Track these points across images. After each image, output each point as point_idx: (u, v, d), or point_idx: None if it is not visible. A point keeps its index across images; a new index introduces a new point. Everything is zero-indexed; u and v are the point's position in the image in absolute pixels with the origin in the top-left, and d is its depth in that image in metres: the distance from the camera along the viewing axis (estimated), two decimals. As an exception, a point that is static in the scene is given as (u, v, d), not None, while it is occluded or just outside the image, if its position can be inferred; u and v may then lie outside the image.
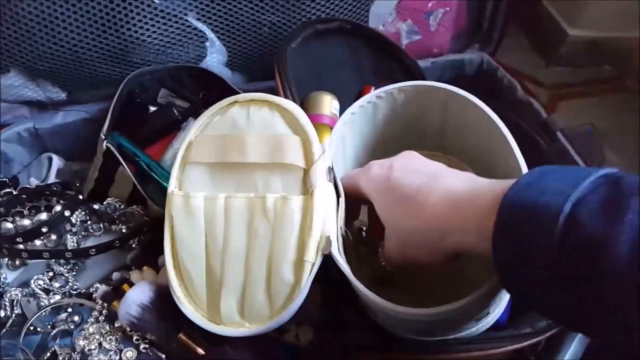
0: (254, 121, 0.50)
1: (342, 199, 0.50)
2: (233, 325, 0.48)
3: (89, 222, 0.64)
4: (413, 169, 0.43)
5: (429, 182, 0.40)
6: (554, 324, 0.54)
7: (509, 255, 0.33)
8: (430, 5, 0.82)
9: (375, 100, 0.52)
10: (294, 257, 0.47)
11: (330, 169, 0.49)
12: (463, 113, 0.51)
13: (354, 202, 0.50)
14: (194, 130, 0.52)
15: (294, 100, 0.61)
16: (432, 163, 0.44)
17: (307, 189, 0.48)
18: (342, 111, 0.65)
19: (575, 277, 0.29)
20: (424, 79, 0.73)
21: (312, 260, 0.46)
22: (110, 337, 0.56)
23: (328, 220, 0.47)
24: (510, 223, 0.32)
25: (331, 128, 0.63)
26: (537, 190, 0.32)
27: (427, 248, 0.40)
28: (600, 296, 0.28)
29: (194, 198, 0.49)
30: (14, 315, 0.58)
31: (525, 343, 0.54)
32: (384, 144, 0.57)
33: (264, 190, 0.49)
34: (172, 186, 0.51)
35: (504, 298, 0.49)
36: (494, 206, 0.33)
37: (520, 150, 0.46)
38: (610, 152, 0.95)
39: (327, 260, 0.46)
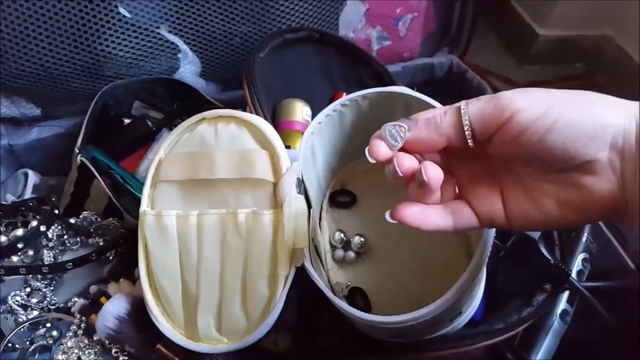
0: (222, 137, 0.50)
1: (313, 210, 0.51)
2: (211, 342, 0.48)
3: (65, 237, 0.64)
4: None
5: None
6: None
7: None
8: (398, 11, 0.84)
9: (340, 108, 0.53)
10: (268, 271, 0.47)
11: (301, 181, 0.50)
12: None
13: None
14: (164, 148, 0.52)
15: (261, 110, 0.61)
16: None
17: (277, 203, 0.48)
18: (313, 117, 0.66)
19: None
20: (393, 83, 0.75)
21: (286, 273, 0.46)
22: (89, 350, 0.57)
23: (299, 233, 0.47)
24: None
25: (303, 134, 0.64)
26: None
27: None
28: None
29: (166, 217, 0.49)
30: (-9, 332, 0.58)
31: (498, 338, 0.55)
32: (353, 147, 0.59)
33: (235, 206, 0.49)
34: (144, 205, 0.51)
35: (476, 297, 0.51)
36: None
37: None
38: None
39: (301, 270, 0.47)
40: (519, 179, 0.36)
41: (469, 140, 0.35)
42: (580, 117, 0.32)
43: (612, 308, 0.54)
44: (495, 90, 0.85)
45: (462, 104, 0.35)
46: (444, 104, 0.50)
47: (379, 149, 0.35)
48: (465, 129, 0.34)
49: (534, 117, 0.32)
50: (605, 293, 0.56)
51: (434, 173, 0.33)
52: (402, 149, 0.35)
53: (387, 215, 0.34)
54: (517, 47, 1.31)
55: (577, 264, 0.56)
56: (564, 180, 0.34)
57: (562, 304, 0.54)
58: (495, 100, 0.34)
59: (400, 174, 0.34)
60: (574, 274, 0.55)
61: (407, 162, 0.34)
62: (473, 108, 0.35)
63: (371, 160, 0.35)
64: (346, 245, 0.57)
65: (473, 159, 0.37)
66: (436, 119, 0.35)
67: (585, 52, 1.27)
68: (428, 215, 0.35)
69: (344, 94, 0.71)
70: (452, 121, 0.35)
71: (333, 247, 0.58)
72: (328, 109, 0.53)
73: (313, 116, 0.67)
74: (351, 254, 0.57)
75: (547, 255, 0.55)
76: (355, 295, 0.54)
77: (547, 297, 0.53)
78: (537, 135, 0.32)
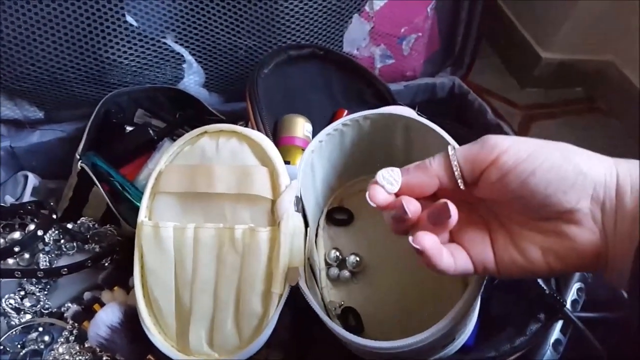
0: (222, 152, 0.51)
1: (310, 229, 0.51)
2: (202, 356, 0.48)
3: (62, 241, 0.64)
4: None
5: None
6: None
7: None
8: (402, 30, 0.85)
9: (341, 127, 0.54)
10: (262, 288, 0.47)
11: (299, 199, 0.50)
12: (424, 137, 0.52)
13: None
14: (164, 159, 0.52)
15: (263, 126, 0.62)
16: None
17: (274, 220, 0.48)
18: (314, 133, 0.67)
19: None
20: (395, 101, 0.75)
21: (280, 291, 0.46)
22: (80, 357, 0.57)
23: (295, 252, 0.48)
24: None
25: (303, 150, 0.64)
26: None
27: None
28: None
29: (163, 228, 0.49)
30: (-17, 335, 0.58)
31: (489, 366, 0.55)
32: (352, 165, 0.59)
33: (232, 221, 0.49)
34: (142, 216, 0.51)
35: (469, 325, 0.51)
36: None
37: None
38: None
39: (297, 289, 0.47)
40: (506, 225, 0.37)
41: (459, 181, 0.36)
42: (562, 163, 0.33)
43: (604, 339, 0.54)
44: (496, 112, 0.86)
45: (450, 147, 0.37)
46: (444, 125, 0.51)
47: (378, 193, 0.36)
48: (455, 169, 0.36)
49: (519, 159, 0.34)
50: (599, 323, 0.56)
51: (454, 211, 0.34)
52: (396, 196, 0.37)
53: (410, 239, 0.34)
54: (520, 69, 1.32)
55: (572, 294, 0.56)
56: (548, 229, 0.35)
57: (556, 333, 0.54)
58: (483, 141, 0.36)
59: (410, 215, 0.35)
60: (568, 304, 0.55)
61: (413, 204, 0.35)
62: (461, 149, 0.36)
63: (372, 205, 0.36)
64: (341, 263, 0.58)
65: (464, 205, 0.38)
66: (426, 162, 0.37)
67: (586, 77, 1.28)
68: (441, 250, 0.35)
69: (346, 111, 0.72)
70: (442, 162, 0.36)
71: (328, 265, 0.58)
72: (329, 128, 0.53)
73: (314, 133, 0.68)
74: (346, 273, 0.57)
75: (543, 285, 0.55)
76: (348, 315, 0.54)
77: (540, 327, 0.53)
78: (521, 177, 0.34)
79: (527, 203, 0.35)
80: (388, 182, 0.36)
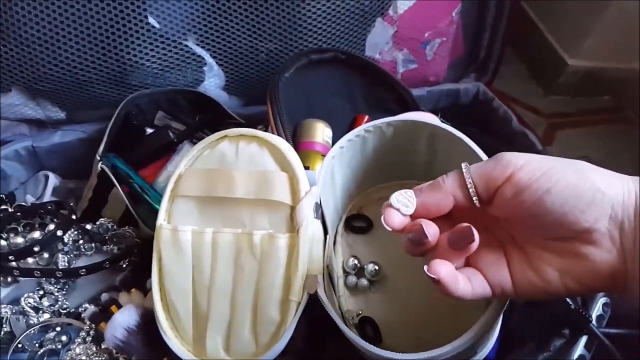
0: (242, 156, 0.50)
1: (330, 237, 0.50)
2: None
3: (81, 242, 0.65)
4: None
5: None
6: None
7: None
8: (426, 35, 0.83)
9: (364, 133, 0.53)
10: (280, 296, 0.46)
11: (318, 205, 0.50)
12: (450, 146, 0.51)
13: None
14: (184, 163, 0.52)
15: (283, 131, 0.61)
16: None
17: (293, 227, 0.48)
18: (334, 139, 0.66)
19: None
20: (417, 108, 0.74)
21: (298, 299, 0.46)
22: (96, 358, 0.57)
23: (314, 259, 0.47)
24: None
25: (323, 155, 0.64)
26: None
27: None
28: None
29: (182, 232, 0.49)
30: (2, 332, 0.59)
31: (510, 381, 0.54)
32: (373, 173, 0.58)
33: (251, 227, 0.49)
34: (161, 219, 0.51)
35: (491, 338, 0.49)
36: None
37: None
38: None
39: (313, 296, 0.46)
40: (522, 247, 0.36)
41: (474, 198, 0.35)
42: (579, 181, 0.33)
43: (630, 356, 0.53)
44: (521, 120, 0.84)
45: (464, 164, 0.36)
46: (467, 132, 0.50)
47: (394, 217, 0.36)
48: (469, 186, 0.35)
49: (535, 177, 0.33)
50: (624, 340, 0.55)
51: (477, 235, 0.33)
52: (411, 218, 0.36)
53: (425, 269, 0.34)
54: (545, 76, 1.30)
55: (597, 309, 0.54)
56: (565, 249, 0.34)
57: (580, 349, 0.53)
58: (497, 158, 0.35)
59: (430, 239, 0.34)
60: (593, 320, 0.53)
61: (432, 227, 0.35)
62: (475, 167, 0.36)
63: (388, 229, 0.36)
64: (359, 272, 0.57)
65: (479, 226, 0.36)
66: (439, 181, 0.36)
67: (613, 85, 1.25)
68: (457, 278, 0.35)
69: (366, 117, 0.71)
70: (456, 180, 0.36)
71: (346, 273, 0.57)
72: (351, 134, 0.53)
73: (334, 138, 0.67)
74: (364, 282, 0.56)
75: (568, 300, 0.54)
76: (366, 325, 0.53)
77: (564, 343, 0.52)
78: (536, 195, 0.33)
79: (543, 222, 0.34)
80: (403, 205, 0.36)
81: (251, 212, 0.49)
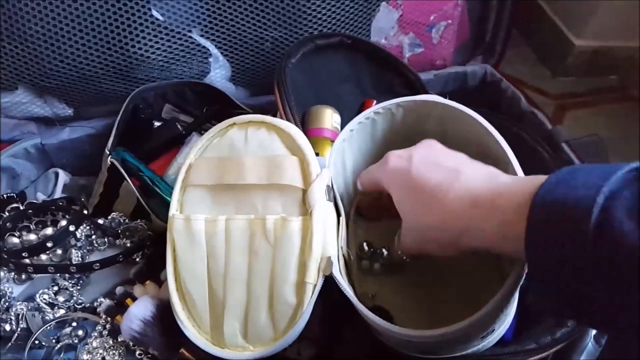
0: (251, 143, 0.50)
1: (343, 218, 0.50)
2: (237, 349, 0.48)
3: (93, 237, 0.65)
4: (433, 161, 0.41)
5: (449, 178, 0.39)
6: (577, 321, 0.53)
7: (543, 252, 0.32)
8: (432, 18, 0.83)
9: (373, 116, 0.52)
10: (295, 279, 0.46)
11: (330, 188, 0.49)
12: (461, 125, 0.51)
13: (375, 201, 0.51)
14: (194, 152, 0.52)
15: (292, 116, 0.61)
16: (452, 155, 0.42)
17: (306, 210, 0.48)
18: (342, 125, 0.66)
19: (606, 272, 0.28)
20: (425, 91, 0.74)
21: (313, 281, 0.46)
22: (114, 351, 0.57)
23: (328, 241, 0.47)
24: (544, 222, 0.31)
25: (332, 141, 0.64)
26: (568, 187, 0.31)
27: (444, 244, 0.40)
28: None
29: (194, 221, 0.49)
30: (19, 329, 0.59)
31: (530, 359, 0.53)
32: (383, 155, 0.57)
33: (263, 212, 0.48)
34: (174, 209, 0.51)
35: (509, 315, 0.49)
36: (520, 206, 0.33)
37: (522, 161, 0.45)
38: (615, 161, 0.95)
39: (328, 278, 0.46)
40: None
41: None
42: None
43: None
44: (530, 100, 0.83)
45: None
46: (479, 112, 0.50)
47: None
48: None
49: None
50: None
51: None
52: None
53: None
54: (552, 58, 1.29)
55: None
56: None
57: (598, 324, 0.52)
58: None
59: None
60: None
61: None
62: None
63: None
64: (373, 256, 0.56)
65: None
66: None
67: (620, 64, 1.24)
68: None
69: (374, 101, 0.71)
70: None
71: (360, 258, 0.57)
72: (361, 117, 0.52)
73: (342, 124, 0.66)
74: (377, 266, 0.55)
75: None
76: (379, 309, 0.52)
77: (583, 318, 0.51)
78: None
79: None
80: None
81: (263, 197, 0.49)
